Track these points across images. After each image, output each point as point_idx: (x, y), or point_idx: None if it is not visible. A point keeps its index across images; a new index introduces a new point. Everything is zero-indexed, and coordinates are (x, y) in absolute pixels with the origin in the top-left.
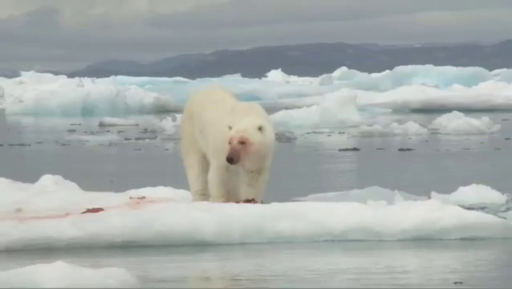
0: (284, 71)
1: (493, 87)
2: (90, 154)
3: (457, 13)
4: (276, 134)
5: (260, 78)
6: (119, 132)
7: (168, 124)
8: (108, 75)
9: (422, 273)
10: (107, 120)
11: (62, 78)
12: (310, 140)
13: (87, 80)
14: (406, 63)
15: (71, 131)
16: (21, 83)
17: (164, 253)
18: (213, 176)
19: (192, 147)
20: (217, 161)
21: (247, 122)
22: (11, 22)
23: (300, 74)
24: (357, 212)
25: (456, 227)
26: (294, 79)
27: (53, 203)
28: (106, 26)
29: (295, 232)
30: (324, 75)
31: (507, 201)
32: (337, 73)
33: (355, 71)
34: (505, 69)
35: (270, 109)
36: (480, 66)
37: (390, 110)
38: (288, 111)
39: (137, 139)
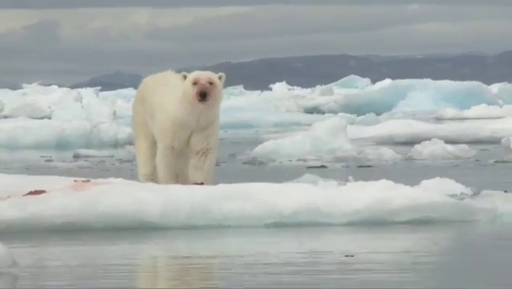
0: (288, 82)
1: (484, 111)
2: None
3: (457, 23)
4: (250, 158)
5: (262, 91)
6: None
7: None
8: (113, 88)
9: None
10: (83, 151)
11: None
12: (285, 164)
13: (89, 91)
14: (407, 75)
15: (47, 160)
16: (24, 94)
17: (107, 235)
18: (159, 158)
19: (143, 131)
20: (163, 142)
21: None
22: (11, 36)
23: (304, 85)
24: (307, 193)
25: (408, 208)
26: (297, 90)
27: None
28: (107, 40)
29: (243, 213)
30: (324, 86)
31: (467, 192)
32: (337, 83)
33: (354, 76)
34: (505, 83)
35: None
36: (480, 78)
37: (375, 143)
38: (276, 141)
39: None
